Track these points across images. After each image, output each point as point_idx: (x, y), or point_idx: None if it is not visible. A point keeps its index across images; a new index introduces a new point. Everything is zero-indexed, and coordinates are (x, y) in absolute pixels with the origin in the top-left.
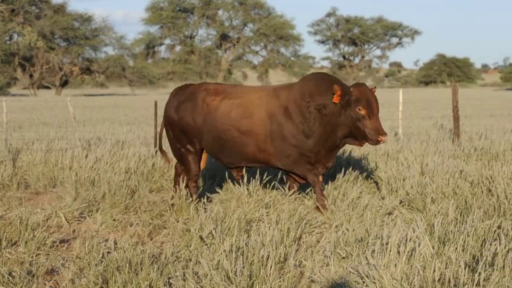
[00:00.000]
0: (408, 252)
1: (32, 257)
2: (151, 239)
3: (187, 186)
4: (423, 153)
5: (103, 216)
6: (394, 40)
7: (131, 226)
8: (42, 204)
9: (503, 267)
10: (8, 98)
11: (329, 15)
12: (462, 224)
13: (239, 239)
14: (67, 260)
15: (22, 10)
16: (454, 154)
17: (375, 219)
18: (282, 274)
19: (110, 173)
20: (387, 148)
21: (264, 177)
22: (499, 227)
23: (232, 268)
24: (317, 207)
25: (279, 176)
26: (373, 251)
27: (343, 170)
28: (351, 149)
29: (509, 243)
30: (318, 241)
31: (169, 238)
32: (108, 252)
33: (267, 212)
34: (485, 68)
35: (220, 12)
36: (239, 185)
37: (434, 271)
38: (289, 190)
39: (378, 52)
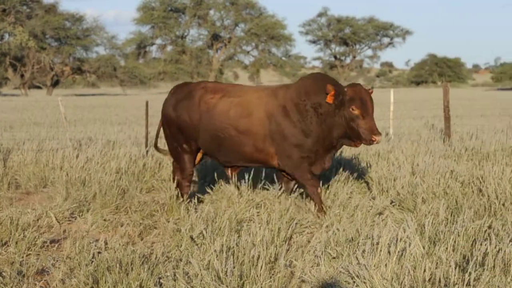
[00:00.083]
0: (398, 252)
1: (23, 257)
2: (142, 239)
3: (179, 184)
4: (414, 153)
5: (93, 216)
6: (385, 40)
7: (121, 226)
8: (33, 204)
9: (494, 267)
10: None
11: (320, 15)
12: (453, 224)
13: (229, 239)
14: (57, 260)
15: (13, 10)
16: (445, 154)
17: (366, 219)
18: (273, 274)
19: (101, 173)
20: (378, 148)
21: (254, 177)
22: (489, 227)
23: (223, 268)
24: (317, 214)
25: (263, 175)
26: (364, 251)
27: (334, 170)
28: (342, 149)
29: (499, 243)
30: (309, 241)
31: (159, 238)
32: (99, 252)
33: (258, 212)
34: (476, 68)
35: (211, 12)
36: (230, 183)
37: (425, 271)
38: (284, 189)
39: (369, 52)
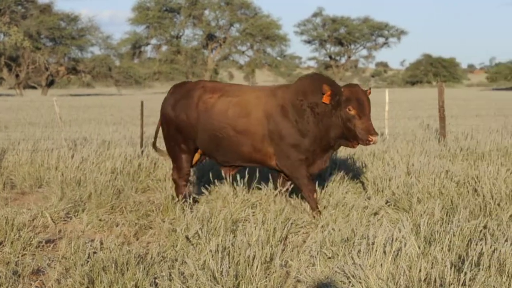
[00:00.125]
0: (394, 252)
1: (18, 257)
2: (137, 239)
3: (175, 184)
4: (409, 153)
5: (89, 216)
6: (381, 40)
7: (117, 226)
8: (28, 204)
9: (489, 267)
10: None
11: (315, 15)
12: (448, 224)
13: (225, 239)
14: (53, 260)
15: (8, 10)
16: (440, 154)
17: (361, 219)
18: (268, 274)
19: (96, 173)
20: (373, 148)
21: (249, 177)
22: (485, 227)
23: (218, 268)
24: (312, 214)
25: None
26: (359, 251)
27: (329, 170)
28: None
29: (494, 243)
30: (304, 241)
31: (155, 238)
32: (94, 252)
33: (253, 212)
34: (471, 68)
35: (206, 12)
36: (225, 183)
37: (420, 271)
38: (280, 189)
39: (364, 52)
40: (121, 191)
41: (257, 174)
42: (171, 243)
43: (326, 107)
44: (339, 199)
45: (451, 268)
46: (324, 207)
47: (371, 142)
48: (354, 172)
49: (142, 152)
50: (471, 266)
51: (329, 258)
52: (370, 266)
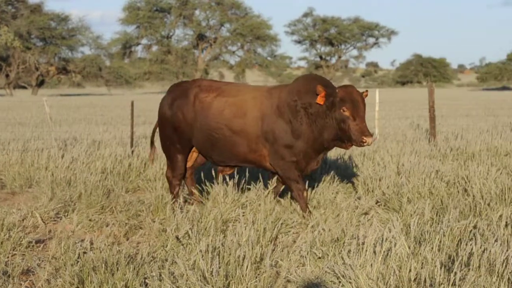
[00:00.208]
0: (384, 252)
1: (8, 257)
2: (127, 239)
3: (169, 182)
4: (399, 153)
5: (79, 216)
6: (371, 40)
7: (107, 226)
8: (18, 204)
9: (479, 267)
10: None
11: (306, 15)
12: (438, 224)
13: (215, 239)
14: (43, 260)
15: None
16: (430, 154)
17: (351, 219)
18: (258, 274)
19: (86, 173)
20: (364, 148)
21: (240, 177)
22: (474, 227)
23: (208, 268)
24: (302, 214)
25: (247, 175)
26: (349, 251)
27: (319, 170)
28: None
29: (484, 243)
30: (294, 241)
31: (145, 238)
32: (84, 252)
33: (244, 212)
34: (461, 68)
35: (197, 12)
36: (215, 183)
37: (410, 271)
38: (274, 190)
39: (354, 52)
40: (111, 191)
41: (247, 174)
42: (161, 243)
43: (320, 108)
44: (330, 199)
45: (441, 268)
46: (314, 207)
47: (365, 144)
48: (344, 172)
49: (132, 152)
50: (461, 266)
51: (319, 258)
52: (360, 266)
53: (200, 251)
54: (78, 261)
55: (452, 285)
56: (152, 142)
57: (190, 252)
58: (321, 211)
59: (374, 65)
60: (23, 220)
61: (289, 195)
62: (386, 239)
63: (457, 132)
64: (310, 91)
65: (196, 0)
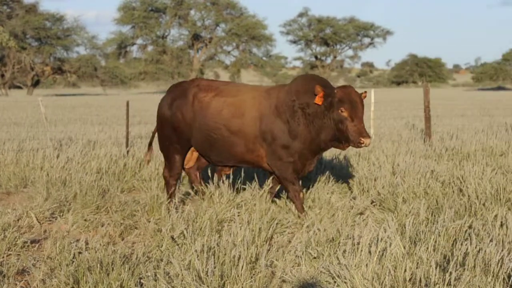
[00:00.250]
0: (379, 252)
1: (3, 257)
2: (123, 239)
3: (166, 182)
4: (395, 153)
5: (74, 216)
6: (366, 40)
7: (102, 226)
8: (13, 204)
9: (474, 266)
10: None
11: (301, 15)
12: (433, 224)
13: (210, 239)
14: (38, 261)
15: None
16: (426, 154)
17: (347, 219)
18: (254, 274)
19: (82, 173)
20: (359, 149)
21: (234, 177)
22: (470, 227)
23: (204, 268)
24: (298, 214)
25: (242, 175)
26: (345, 251)
27: (315, 170)
28: None
29: (480, 243)
30: (290, 241)
31: (140, 238)
32: (79, 252)
33: (239, 212)
34: (456, 68)
35: (192, 12)
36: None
37: (405, 271)
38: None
39: (350, 52)
40: (106, 191)
41: (242, 174)
42: (157, 243)
43: (318, 108)
44: (325, 199)
45: (436, 268)
46: (310, 207)
47: (363, 145)
48: (340, 172)
49: (128, 152)
50: (456, 266)
51: (315, 258)
52: (355, 266)
53: (195, 251)
54: (73, 261)
55: (447, 285)
56: (150, 144)
57: (185, 252)
58: (316, 211)
59: (370, 65)
60: (18, 220)
61: (285, 195)
62: (381, 239)
63: (452, 132)
64: (309, 91)
65: (191, 0)
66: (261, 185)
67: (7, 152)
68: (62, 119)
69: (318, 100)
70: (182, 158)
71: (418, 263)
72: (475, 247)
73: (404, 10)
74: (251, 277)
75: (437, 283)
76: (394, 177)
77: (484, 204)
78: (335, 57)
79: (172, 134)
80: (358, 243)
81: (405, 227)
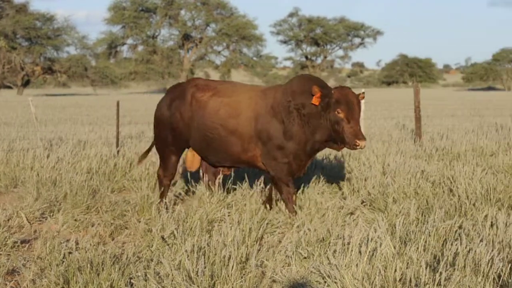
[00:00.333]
0: (369, 252)
1: None
2: (113, 239)
3: (160, 181)
4: (385, 153)
5: (64, 216)
6: (357, 40)
7: (92, 226)
8: (3, 205)
9: (464, 266)
10: None
11: (291, 15)
12: (424, 224)
13: (200, 239)
14: (28, 261)
15: None
16: (416, 154)
17: (337, 219)
18: (244, 274)
19: (72, 173)
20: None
21: (225, 177)
22: (460, 227)
23: (194, 268)
24: (288, 214)
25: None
26: (335, 251)
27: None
28: None
29: (470, 243)
30: (280, 241)
31: (130, 238)
32: (70, 253)
33: (229, 212)
34: (447, 68)
35: (182, 12)
36: (201, 183)
37: (396, 271)
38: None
39: (340, 52)
40: (96, 191)
41: (232, 174)
42: (147, 243)
43: (314, 109)
44: (315, 199)
45: (426, 268)
46: (300, 207)
47: (358, 147)
48: (330, 172)
49: (118, 152)
50: (446, 266)
51: (305, 258)
52: (345, 266)
53: (186, 251)
54: (63, 261)
55: (437, 285)
56: (147, 152)
57: (175, 252)
58: (307, 211)
59: (360, 65)
60: (8, 220)
61: (276, 195)
62: (372, 239)
63: (443, 132)
64: (305, 92)
65: (181, 0)
66: (251, 186)
67: None
68: (52, 119)
69: (315, 100)
70: (177, 159)
71: (408, 263)
72: (465, 247)
73: (394, 11)
74: (241, 277)
75: (427, 283)
76: (384, 177)
77: (474, 204)
78: (325, 57)
79: (170, 135)
80: (349, 243)
81: (395, 227)
